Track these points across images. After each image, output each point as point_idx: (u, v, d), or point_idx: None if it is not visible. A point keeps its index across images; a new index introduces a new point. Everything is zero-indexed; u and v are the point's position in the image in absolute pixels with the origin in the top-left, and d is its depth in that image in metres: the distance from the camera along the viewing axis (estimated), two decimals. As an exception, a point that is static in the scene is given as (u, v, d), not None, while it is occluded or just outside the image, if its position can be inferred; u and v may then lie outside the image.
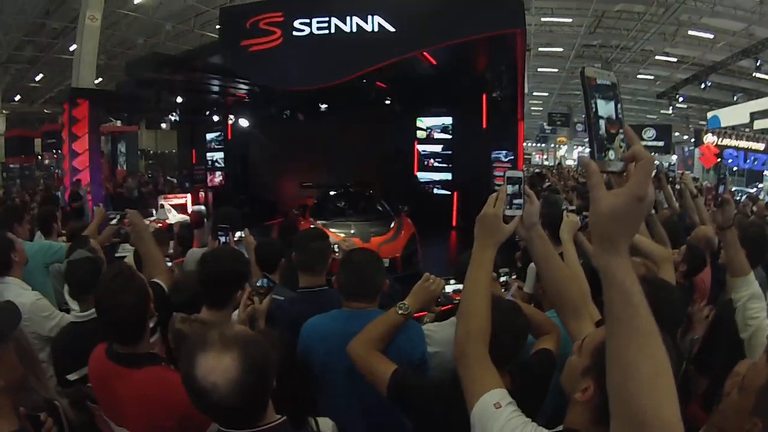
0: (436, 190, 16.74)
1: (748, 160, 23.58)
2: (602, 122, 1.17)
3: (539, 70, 30.33)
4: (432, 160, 16.79)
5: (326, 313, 2.64)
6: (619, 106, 1.22)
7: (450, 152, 16.42)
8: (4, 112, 31.32)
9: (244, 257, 3.05)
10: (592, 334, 1.67)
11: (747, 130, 24.96)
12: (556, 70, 30.75)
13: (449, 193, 16.24)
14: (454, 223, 15.64)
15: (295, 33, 10.22)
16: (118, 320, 2.21)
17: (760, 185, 25.64)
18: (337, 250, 3.36)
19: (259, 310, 2.79)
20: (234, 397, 1.48)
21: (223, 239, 4.11)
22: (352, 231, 9.93)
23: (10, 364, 1.83)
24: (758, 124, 24.11)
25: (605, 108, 1.19)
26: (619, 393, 1.06)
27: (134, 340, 2.23)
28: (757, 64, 20.74)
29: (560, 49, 26.73)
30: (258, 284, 2.89)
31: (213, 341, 1.52)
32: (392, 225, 10.69)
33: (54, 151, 28.11)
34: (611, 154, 1.15)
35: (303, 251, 3.16)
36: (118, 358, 2.22)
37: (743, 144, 24.41)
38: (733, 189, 20.16)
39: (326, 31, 10.06)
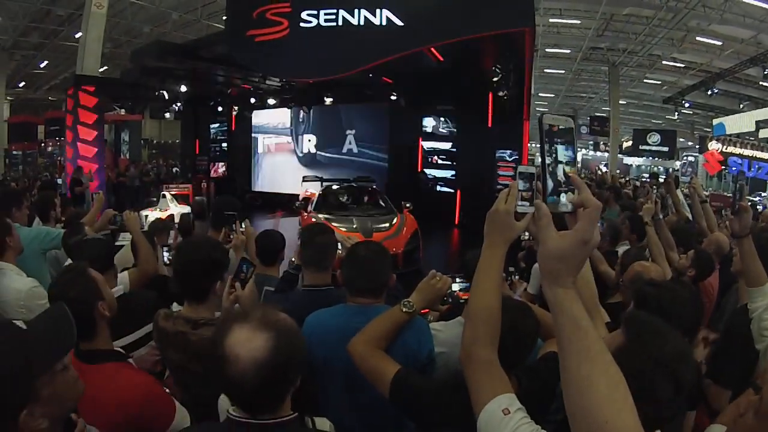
0: (439, 188, 16.63)
1: (752, 169, 23.47)
2: (561, 167, 1.24)
3: (546, 71, 30.24)
4: (436, 157, 16.68)
5: (330, 308, 2.54)
6: (575, 150, 1.29)
7: (455, 150, 16.32)
8: (8, 98, 31.26)
9: (222, 246, 2.91)
10: (607, 338, 1.60)
11: (752, 138, 24.88)
12: (562, 71, 30.70)
13: (452, 190, 16.15)
14: (456, 221, 15.57)
15: (302, 24, 10.20)
16: None
17: (764, 194, 25.56)
18: (340, 247, 3.23)
19: (242, 297, 2.66)
20: (251, 378, 1.46)
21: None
22: (355, 226, 9.88)
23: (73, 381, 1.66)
24: (764, 133, 24.07)
25: (564, 153, 1.25)
26: (578, 409, 1.11)
27: (84, 336, 2.15)
28: (765, 72, 20.69)
29: (567, 51, 26.64)
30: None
31: (253, 318, 1.53)
32: (395, 221, 10.63)
33: (57, 137, 28.15)
34: (563, 197, 1.24)
35: (308, 246, 3.02)
36: (80, 354, 2.16)
37: (748, 152, 24.34)
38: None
39: (334, 23, 10.02)
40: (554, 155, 1.25)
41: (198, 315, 2.51)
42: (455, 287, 2.71)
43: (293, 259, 3.38)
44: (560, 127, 1.26)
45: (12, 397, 1.34)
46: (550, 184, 1.24)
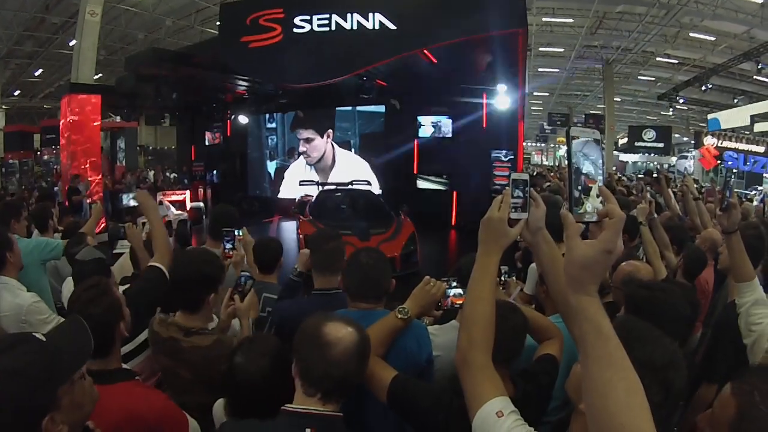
0: (435, 189, 16.54)
1: (747, 163, 23.52)
2: (582, 178, 1.32)
3: (540, 69, 30.28)
4: (432, 159, 16.57)
5: (331, 312, 2.58)
6: (601, 161, 1.36)
7: (450, 151, 16.20)
8: (3, 107, 31.24)
9: (217, 258, 2.93)
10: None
11: (747, 132, 24.94)
12: (556, 70, 30.72)
13: (448, 192, 16.10)
14: (453, 222, 15.57)
15: (295, 30, 10.25)
16: None
17: (760, 188, 25.61)
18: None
19: (240, 309, 2.70)
20: (352, 356, 1.74)
21: (229, 245, 3.92)
22: (351, 230, 9.88)
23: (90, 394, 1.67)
24: (758, 127, 24.09)
25: (587, 164, 1.34)
26: (597, 413, 1.15)
27: (100, 354, 2.14)
28: (758, 67, 20.71)
29: (561, 50, 26.70)
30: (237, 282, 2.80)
31: (338, 318, 1.85)
32: (392, 224, 10.64)
33: (53, 146, 28.08)
34: (587, 206, 1.31)
35: (318, 252, 3.10)
36: (94, 374, 2.16)
37: (743, 146, 24.39)
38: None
39: (327, 28, 10.06)
40: (577, 166, 1.32)
41: (191, 324, 2.58)
42: (450, 293, 2.73)
43: (296, 267, 3.43)
44: (581, 139, 1.34)
45: (35, 405, 1.39)
46: (575, 194, 1.31)
